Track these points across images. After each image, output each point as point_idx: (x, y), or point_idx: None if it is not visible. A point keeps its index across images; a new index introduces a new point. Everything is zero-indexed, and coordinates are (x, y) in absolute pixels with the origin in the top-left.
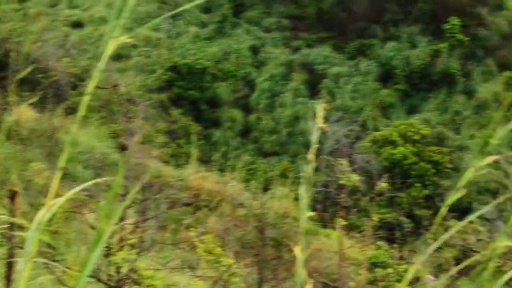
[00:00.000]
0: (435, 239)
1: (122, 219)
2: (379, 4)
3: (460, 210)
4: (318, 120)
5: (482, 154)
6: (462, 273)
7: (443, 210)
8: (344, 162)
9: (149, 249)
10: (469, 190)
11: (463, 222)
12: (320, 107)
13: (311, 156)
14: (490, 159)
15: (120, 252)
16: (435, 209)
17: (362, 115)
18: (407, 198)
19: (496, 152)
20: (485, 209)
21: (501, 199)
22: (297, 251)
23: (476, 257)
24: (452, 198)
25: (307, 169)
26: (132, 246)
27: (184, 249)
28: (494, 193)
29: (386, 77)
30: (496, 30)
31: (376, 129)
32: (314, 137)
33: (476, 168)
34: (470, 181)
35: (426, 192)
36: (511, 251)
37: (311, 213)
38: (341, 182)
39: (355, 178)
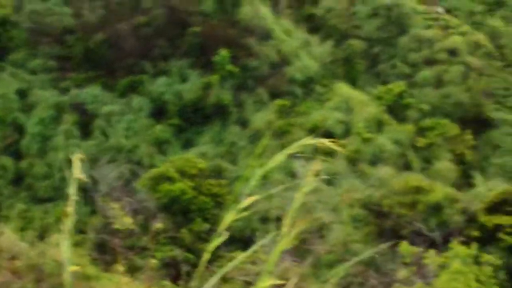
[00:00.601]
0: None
1: None
2: (147, 39)
3: (244, 241)
4: (75, 170)
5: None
6: None
7: (206, 256)
8: (116, 205)
9: None
10: (251, 219)
11: (237, 257)
12: (76, 157)
13: (69, 209)
14: (249, 200)
15: None
16: (223, 241)
17: (137, 153)
18: (189, 234)
19: (275, 179)
20: (265, 240)
21: (276, 230)
22: None
23: None
24: (214, 243)
25: (67, 223)
26: None
27: None
28: (277, 220)
29: (159, 112)
30: (265, 60)
31: (153, 166)
32: (72, 189)
33: (236, 211)
34: (251, 211)
35: (207, 225)
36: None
37: (75, 268)
38: (116, 226)
39: (129, 221)
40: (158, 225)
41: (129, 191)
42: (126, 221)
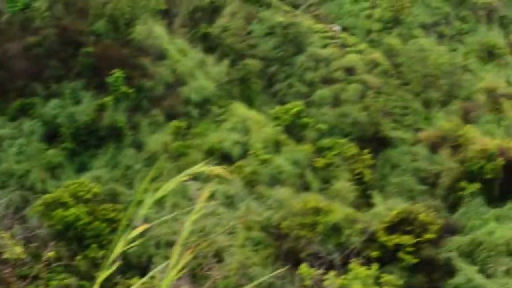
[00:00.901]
0: None
1: None
2: (38, 60)
3: (141, 267)
4: None
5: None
6: None
7: (97, 285)
8: (6, 234)
9: None
10: (147, 245)
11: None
12: None
13: None
14: (140, 228)
15: None
16: (119, 268)
17: (29, 179)
18: (84, 261)
19: (171, 203)
20: (161, 267)
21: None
22: None
23: None
24: (104, 274)
25: None
26: None
27: None
28: (173, 245)
29: (52, 136)
30: (160, 80)
31: (45, 192)
32: None
33: (128, 238)
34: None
35: (103, 252)
36: None
37: None
38: (6, 255)
39: (19, 250)
40: (50, 253)
41: (20, 218)
42: (16, 250)
